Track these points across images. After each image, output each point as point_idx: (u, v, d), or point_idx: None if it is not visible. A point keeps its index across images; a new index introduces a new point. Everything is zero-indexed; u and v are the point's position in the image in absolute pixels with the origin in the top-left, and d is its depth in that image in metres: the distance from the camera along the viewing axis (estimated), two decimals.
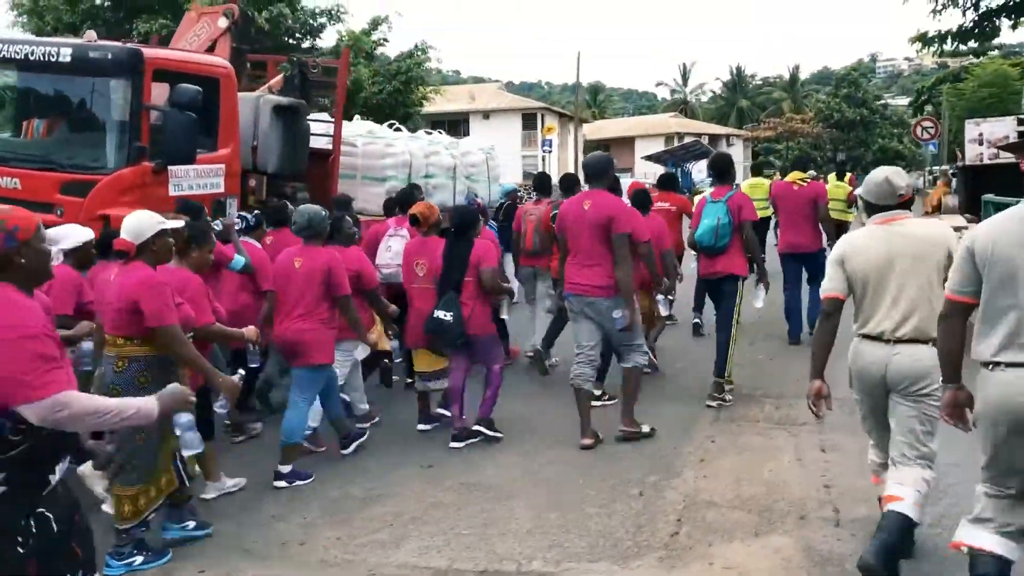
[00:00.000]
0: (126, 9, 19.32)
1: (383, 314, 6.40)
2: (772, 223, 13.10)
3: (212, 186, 8.08)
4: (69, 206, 7.12)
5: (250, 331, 5.19)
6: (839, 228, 11.62)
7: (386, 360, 7.32)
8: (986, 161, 20.15)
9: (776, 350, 8.65)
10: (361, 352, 6.24)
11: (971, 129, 21.91)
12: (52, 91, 7.97)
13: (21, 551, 2.65)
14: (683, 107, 75.23)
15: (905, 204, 4.02)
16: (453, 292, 6.06)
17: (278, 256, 5.96)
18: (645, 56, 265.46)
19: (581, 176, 8.88)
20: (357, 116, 13.51)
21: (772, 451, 5.72)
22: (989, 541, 3.29)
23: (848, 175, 16.15)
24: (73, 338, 5.02)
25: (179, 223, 4.88)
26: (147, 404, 2.90)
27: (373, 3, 27.70)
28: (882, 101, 68.54)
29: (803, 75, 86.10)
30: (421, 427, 6.56)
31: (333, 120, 10.38)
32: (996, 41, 21.57)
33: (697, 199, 9.03)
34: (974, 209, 12.17)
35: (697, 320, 9.62)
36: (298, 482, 5.46)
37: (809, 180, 9.71)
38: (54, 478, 2.78)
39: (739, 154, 58.09)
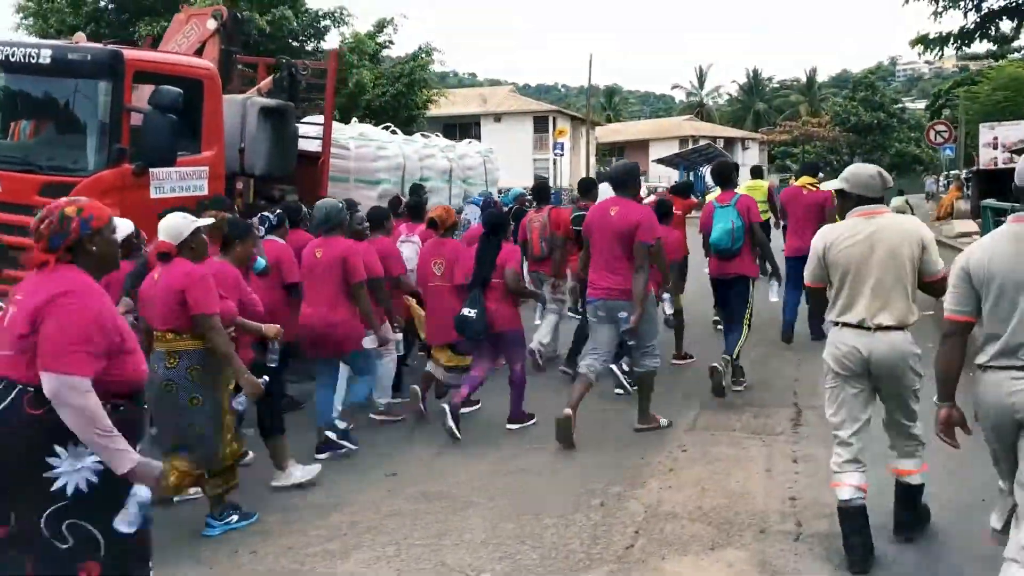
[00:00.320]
0: (130, 11, 19.40)
1: (386, 305, 6.44)
2: (773, 224, 12.99)
3: (195, 188, 8.03)
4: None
5: (271, 328, 5.24)
6: None
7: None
8: (1000, 165, 19.96)
9: (763, 356, 8.51)
10: (371, 342, 6.21)
11: (985, 133, 21.70)
12: (33, 93, 7.94)
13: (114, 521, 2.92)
14: (699, 110, 74.90)
15: (882, 200, 4.25)
16: (479, 290, 6.31)
17: (303, 250, 6.27)
18: (663, 59, 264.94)
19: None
20: (355, 120, 13.42)
21: (743, 461, 5.60)
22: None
23: None
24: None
25: (209, 221, 5.04)
26: (126, 455, 2.90)
27: (386, 5, 27.58)
28: (900, 105, 67.96)
29: (822, 78, 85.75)
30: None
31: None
32: (1017, 44, 21.34)
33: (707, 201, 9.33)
34: None
35: (717, 317, 9.58)
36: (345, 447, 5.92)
37: (818, 185, 9.79)
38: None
39: (754, 157, 57.67)
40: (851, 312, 4.07)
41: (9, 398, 2.85)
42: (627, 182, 6.46)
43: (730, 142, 60.54)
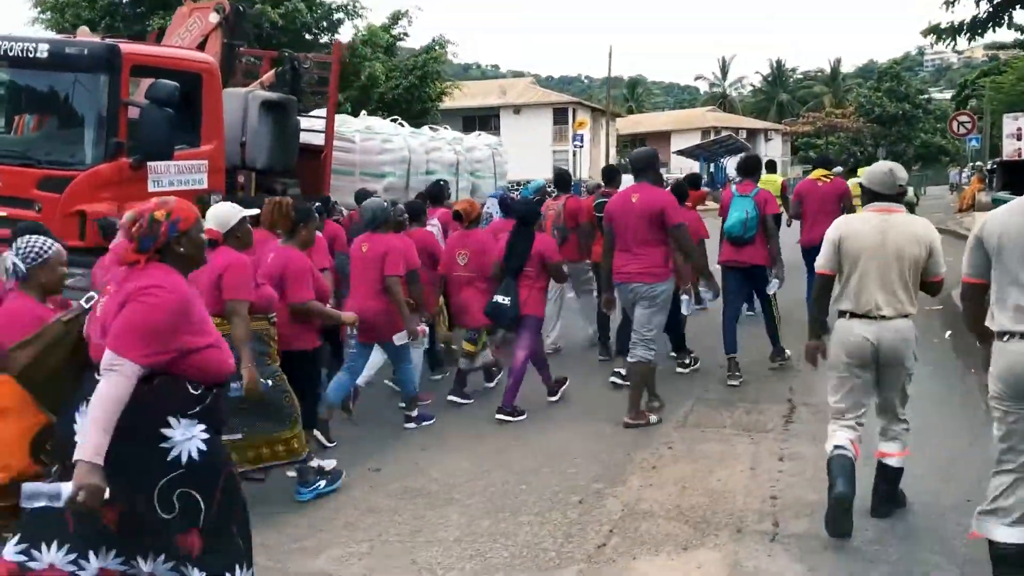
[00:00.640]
0: (144, 5, 19.48)
1: (417, 297, 6.60)
2: (785, 221, 12.87)
3: (195, 182, 8.05)
4: (46, 202, 7.14)
5: (349, 316, 5.64)
6: None
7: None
8: None
9: (762, 350, 8.39)
10: (401, 339, 6.42)
11: (1009, 124, 21.29)
12: (30, 87, 8.00)
13: (218, 493, 3.07)
14: (722, 101, 74.32)
15: (899, 198, 4.44)
16: (512, 279, 6.59)
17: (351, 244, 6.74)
18: (688, 50, 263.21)
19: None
20: (363, 113, 13.39)
21: (728, 459, 5.52)
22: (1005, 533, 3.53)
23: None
24: None
25: (255, 211, 5.24)
26: (98, 449, 2.81)
27: None
28: (926, 95, 67.09)
29: (848, 69, 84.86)
30: (451, 399, 7.08)
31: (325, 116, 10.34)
32: None
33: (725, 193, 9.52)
34: None
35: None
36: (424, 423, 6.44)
37: (833, 176, 9.80)
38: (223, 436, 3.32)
39: (777, 149, 57.23)
40: (859, 302, 4.28)
41: None
42: (646, 168, 6.60)
43: (752, 133, 60.01)
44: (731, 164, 39.29)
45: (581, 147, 41.28)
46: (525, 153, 42.20)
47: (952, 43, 13.28)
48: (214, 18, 9.53)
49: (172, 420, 2.98)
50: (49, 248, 3.83)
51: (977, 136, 30.27)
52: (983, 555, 3.97)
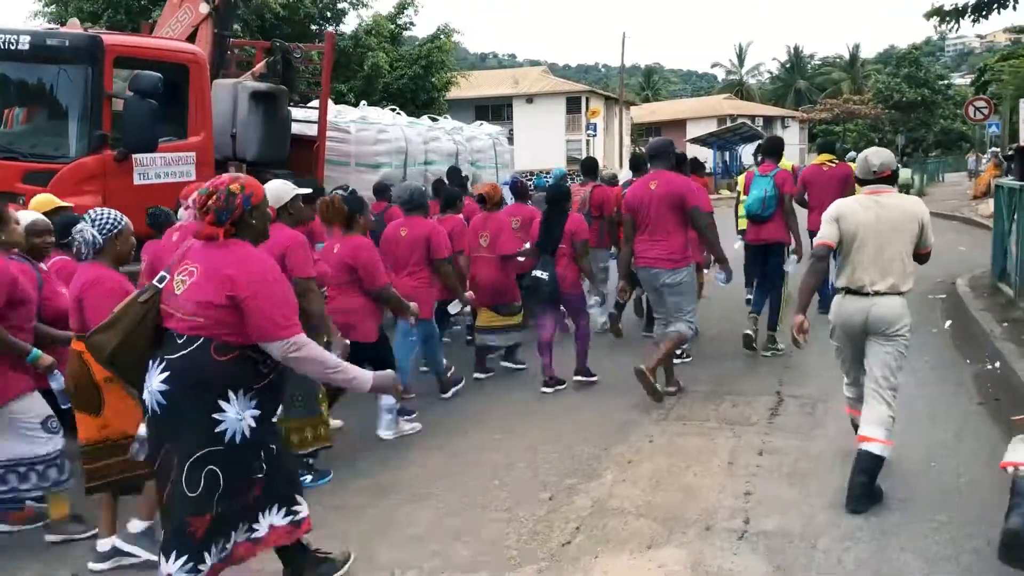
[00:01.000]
0: None
1: (450, 282, 6.79)
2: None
3: (182, 174, 8.01)
4: (31, 195, 7.11)
5: (415, 306, 5.88)
6: None
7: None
8: None
9: (760, 340, 8.26)
10: (455, 307, 7.15)
11: None
12: (13, 79, 7.95)
13: (258, 472, 3.24)
14: (739, 88, 73.69)
15: (886, 179, 4.64)
16: (549, 255, 6.87)
17: (387, 227, 6.90)
18: (705, 37, 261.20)
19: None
20: (363, 103, 13.31)
21: (706, 453, 5.39)
22: None
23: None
24: None
25: (307, 190, 5.40)
26: (363, 376, 3.37)
27: None
28: (945, 81, 66.15)
29: (867, 55, 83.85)
30: (477, 375, 7.48)
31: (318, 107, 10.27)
32: None
33: (742, 177, 9.90)
34: None
35: (750, 296, 9.38)
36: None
37: (837, 161, 9.82)
38: (278, 412, 3.43)
39: (795, 136, 56.64)
40: (854, 278, 4.55)
41: (197, 343, 3.13)
42: (661, 155, 6.80)
43: (769, 120, 59.51)
44: (746, 152, 38.90)
45: (594, 136, 41.09)
46: (538, 142, 42.15)
47: (956, 26, 13.00)
48: (204, 8, 9.47)
49: (232, 395, 3.12)
50: (121, 220, 4.10)
51: (997, 122, 29.78)
52: (953, 553, 3.89)
